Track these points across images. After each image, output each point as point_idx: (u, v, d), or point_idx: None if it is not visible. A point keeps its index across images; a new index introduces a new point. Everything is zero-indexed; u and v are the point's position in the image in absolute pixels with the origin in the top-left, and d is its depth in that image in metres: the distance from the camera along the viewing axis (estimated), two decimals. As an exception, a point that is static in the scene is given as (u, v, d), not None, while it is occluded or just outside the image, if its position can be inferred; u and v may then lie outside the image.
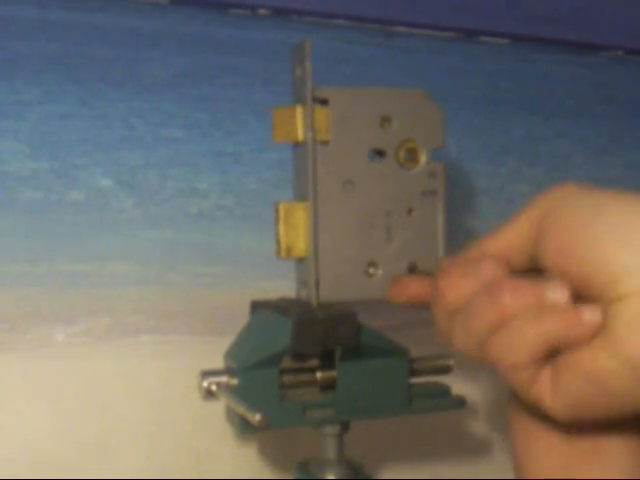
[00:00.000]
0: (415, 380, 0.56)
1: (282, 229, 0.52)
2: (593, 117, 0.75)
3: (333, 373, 0.54)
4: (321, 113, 0.52)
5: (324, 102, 0.52)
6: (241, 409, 0.49)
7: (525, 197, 0.72)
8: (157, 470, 0.61)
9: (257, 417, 0.48)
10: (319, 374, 0.54)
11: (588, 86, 0.75)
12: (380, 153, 0.54)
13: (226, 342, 0.56)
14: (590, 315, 0.39)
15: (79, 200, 0.60)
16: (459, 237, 0.69)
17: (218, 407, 0.55)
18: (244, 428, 0.52)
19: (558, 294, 0.40)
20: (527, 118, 0.73)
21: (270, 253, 0.63)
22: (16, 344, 0.58)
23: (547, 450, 0.44)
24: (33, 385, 0.59)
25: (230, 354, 0.55)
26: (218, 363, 0.55)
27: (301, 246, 0.53)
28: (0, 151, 0.58)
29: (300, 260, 0.54)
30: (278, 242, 0.53)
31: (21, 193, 0.59)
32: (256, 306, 0.57)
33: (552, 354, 0.40)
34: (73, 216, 0.60)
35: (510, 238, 0.45)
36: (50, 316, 0.59)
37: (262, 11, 0.64)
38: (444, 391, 0.57)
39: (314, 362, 0.54)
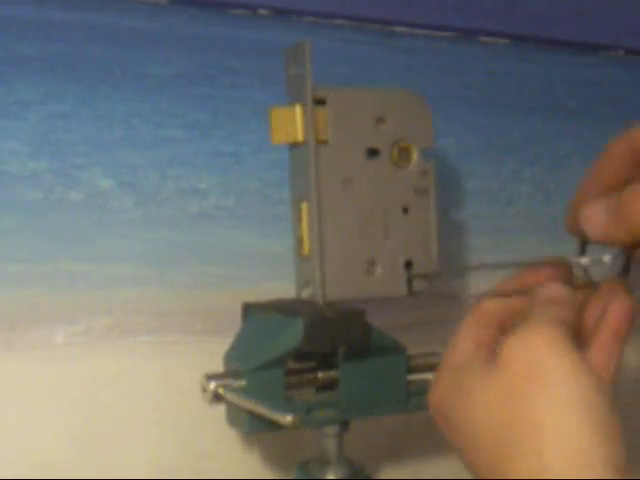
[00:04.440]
0: (412, 377, 0.57)
1: (305, 227, 0.53)
2: (593, 117, 0.75)
3: (334, 373, 0.54)
4: (319, 113, 0.52)
5: (320, 102, 0.52)
6: (264, 410, 0.49)
7: (525, 197, 0.73)
8: (157, 470, 0.61)
9: (289, 418, 0.48)
10: (320, 374, 0.54)
11: (588, 86, 0.75)
12: (375, 152, 0.55)
13: (226, 342, 0.56)
14: None
15: (79, 200, 0.60)
16: (459, 237, 0.70)
17: (218, 407, 0.55)
18: (252, 428, 0.52)
19: None
20: (527, 118, 0.73)
21: (270, 253, 0.64)
22: (16, 344, 0.58)
23: None
24: (33, 385, 0.59)
25: (231, 356, 0.55)
26: (218, 363, 0.55)
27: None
28: (0, 151, 0.58)
29: (302, 260, 0.54)
30: (301, 240, 0.53)
31: (21, 193, 0.58)
32: (249, 308, 0.57)
33: None
34: (73, 216, 0.60)
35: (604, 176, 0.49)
36: (50, 316, 0.59)
37: (262, 11, 0.64)
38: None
39: (315, 362, 0.55)
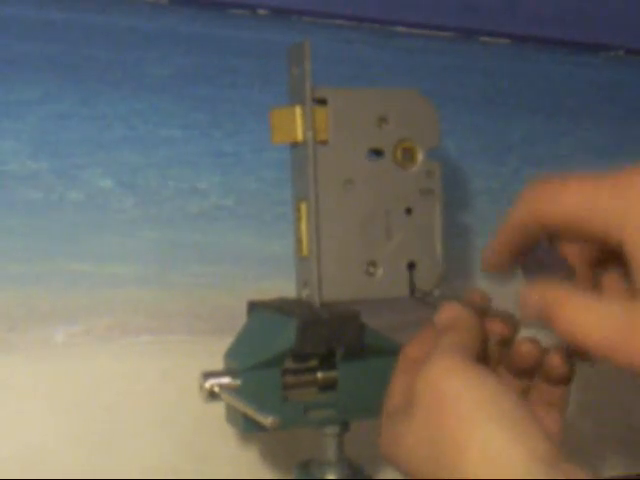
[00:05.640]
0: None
1: (304, 227, 0.53)
2: (593, 117, 0.75)
3: (334, 373, 0.54)
4: (320, 113, 0.52)
5: (322, 102, 0.53)
6: (250, 411, 0.50)
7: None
8: (157, 470, 0.61)
9: (269, 419, 0.48)
10: (320, 374, 0.54)
11: (588, 86, 0.75)
12: (378, 153, 0.55)
13: (226, 342, 0.56)
14: None
15: (79, 200, 0.60)
16: (459, 237, 0.70)
17: (218, 407, 0.55)
18: (248, 428, 0.52)
19: None
20: (527, 118, 0.73)
21: (270, 253, 0.64)
22: (16, 344, 0.58)
23: None
24: (33, 385, 0.59)
25: (231, 355, 0.55)
26: (218, 363, 0.55)
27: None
28: (0, 151, 0.58)
29: (301, 260, 0.54)
30: (300, 241, 0.53)
31: (21, 193, 0.58)
32: (253, 306, 0.57)
33: None
34: (73, 216, 0.60)
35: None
36: (50, 316, 0.59)
37: (261, 11, 0.64)
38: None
39: (314, 362, 0.55)
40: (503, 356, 0.50)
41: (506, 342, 0.49)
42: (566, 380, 0.48)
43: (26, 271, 0.59)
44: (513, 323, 0.49)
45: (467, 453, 0.39)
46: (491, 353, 0.49)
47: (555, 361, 0.47)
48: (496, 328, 0.49)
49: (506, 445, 0.39)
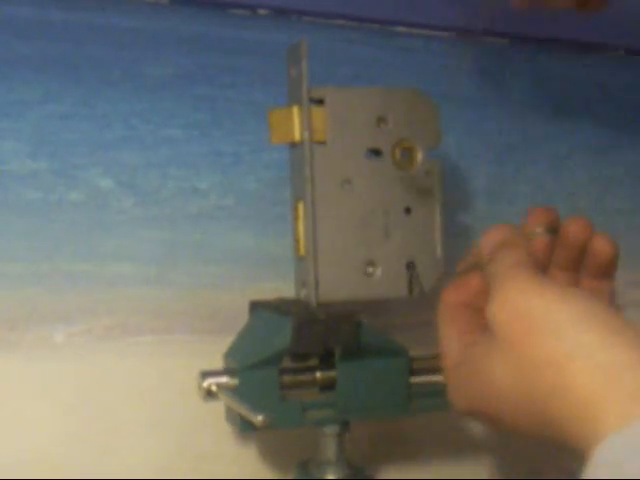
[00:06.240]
0: (415, 380, 0.56)
1: (301, 227, 0.53)
2: (593, 117, 0.75)
3: (333, 373, 0.54)
4: (318, 113, 0.52)
5: (320, 102, 0.53)
6: (242, 409, 0.50)
7: (525, 197, 0.73)
8: (157, 470, 0.61)
9: (259, 418, 0.48)
10: (319, 374, 0.54)
11: (588, 86, 0.75)
12: (376, 152, 0.55)
13: (226, 342, 0.56)
14: None
15: (79, 200, 0.60)
16: (459, 238, 0.69)
17: (218, 407, 0.55)
18: (245, 427, 0.52)
19: None
20: (527, 118, 0.73)
21: (270, 253, 0.64)
22: (16, 344, 0.58)
23: None
24: (33, 385, 0.59)
25: (230, 354, 0.55)
26: (218, 363, 0.55)
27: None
28: (0, 151, 0.58)
29: (299, 260, 0.54)
30: (297, 240, 0.53)
31: (21, 193, 0.58)
32: (255, 306, 0.57)
33: None
34: (73, 216, 0.60)
35: None
36: (50, 316, 0.59)
37: (262, 11, 0.64)
38: (443, 390, 0.57)
39: (314, 362, 0.55)
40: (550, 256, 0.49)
41: (554, 229, 0.49)
42: (612, 267, 0.47)
43: (26, 271, 0.59)
44: (553, 209, 0.50)
45: (571, 368, 0.38)
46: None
47: (601, 243, 0.47)
48: (540, 218, 0.49)
49: (614, 351, 0.38)
